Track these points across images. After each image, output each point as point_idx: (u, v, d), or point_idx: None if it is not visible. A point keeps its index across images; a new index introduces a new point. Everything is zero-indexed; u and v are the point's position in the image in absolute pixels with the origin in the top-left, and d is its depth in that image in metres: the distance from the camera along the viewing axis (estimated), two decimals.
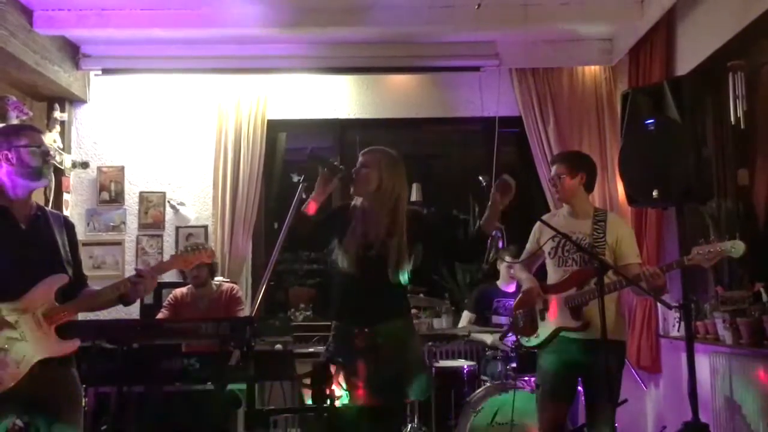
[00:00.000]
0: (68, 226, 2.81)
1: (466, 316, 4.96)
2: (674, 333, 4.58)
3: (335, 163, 3.08)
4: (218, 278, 4.87)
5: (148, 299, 4.94)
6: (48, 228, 2.70)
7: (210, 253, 2.90)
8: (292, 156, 6.02)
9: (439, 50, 5.40)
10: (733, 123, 3.82)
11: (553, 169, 3.60)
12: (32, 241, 2.63)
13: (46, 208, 2.81)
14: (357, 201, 3.20)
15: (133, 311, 5.08)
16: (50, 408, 2.58)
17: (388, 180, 3.09)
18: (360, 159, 3.18)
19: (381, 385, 2.96)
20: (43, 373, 2.53)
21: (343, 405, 2.92)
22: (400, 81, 5.74)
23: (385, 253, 3.02)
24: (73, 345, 2.63)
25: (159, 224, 5.57)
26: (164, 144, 5.61)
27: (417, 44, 5.38)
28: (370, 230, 3.07)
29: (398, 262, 3.02)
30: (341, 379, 2.94)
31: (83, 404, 2.78)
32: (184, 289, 4.60)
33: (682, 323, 3.83)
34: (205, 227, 5.53)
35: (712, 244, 3.11)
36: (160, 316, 4.54)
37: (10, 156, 2.60)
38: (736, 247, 3.06)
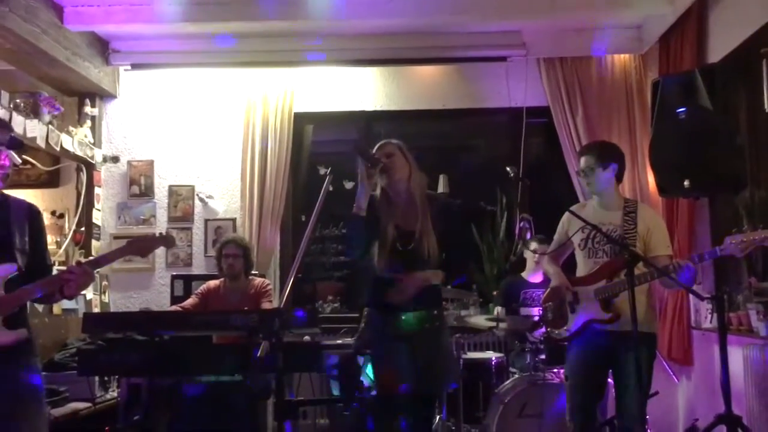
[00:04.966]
0: (32, 214, 2.70)
1: (496, 310, 4.92)
2: (706, 325, 4.52)
3: (375, 155, 3.08)
4: None
5: (179, 291, 4.99)
6: (4, 216, 2.58)
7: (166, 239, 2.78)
8: (318, 148, 6.03)
9: (465, 40, 5.36)
10: (767, 111, 3.74)
11: (583, 161, 3.53)
12: None
13: (9, 195, 2.69)
14: (377, 192, 3.19)
15: (164, 302, 5.19)
16: None
17: (414, 166, 3.16)
18: (382, 151, 3.17)
19: (416, 373, 2.98)
20: None
21: (374, 395, 2.92)
22: (426, 72, 5.71)
23: (421, 240, 3.05)
24: (18, 335, 2.49)
25: (188, 217, 5.63)
26: (193, 138, 5.66)
27: (442, 35, 5.34)
28: (407, 219, 3.09)
29: (432, 248, 3.05)
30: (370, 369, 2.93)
31: (40, 403, 2.60)
32: (217, 282, 4.62)
33: (715, 315, 3.77)
34: (234, 220, 5.58)
35: (746, 234, 3.06)
36: (187, 302, 4.56)
37: None
38: None
